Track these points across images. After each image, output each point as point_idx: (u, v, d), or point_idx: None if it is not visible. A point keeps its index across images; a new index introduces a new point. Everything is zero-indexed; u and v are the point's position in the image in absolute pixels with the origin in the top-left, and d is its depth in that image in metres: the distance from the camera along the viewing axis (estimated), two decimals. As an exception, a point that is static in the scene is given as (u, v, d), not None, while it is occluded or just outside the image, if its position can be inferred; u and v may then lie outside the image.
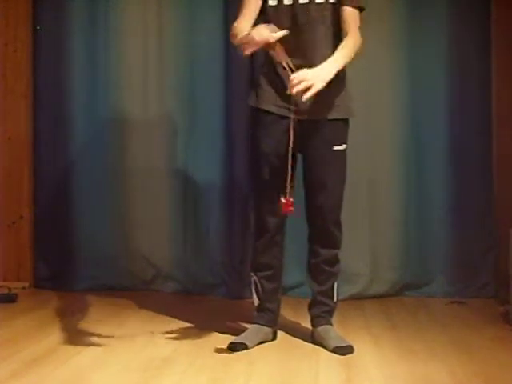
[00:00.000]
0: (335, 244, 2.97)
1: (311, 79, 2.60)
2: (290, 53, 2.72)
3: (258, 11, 2.89)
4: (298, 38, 2.79)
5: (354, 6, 2.83)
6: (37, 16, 4.17)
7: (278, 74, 2.85)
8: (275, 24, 2.74)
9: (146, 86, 4.11)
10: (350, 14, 2.83)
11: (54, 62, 4.15)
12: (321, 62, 2.71)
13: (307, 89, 2.59)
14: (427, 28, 3.93)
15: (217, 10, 4.01)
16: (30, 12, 4.16)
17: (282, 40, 2.68)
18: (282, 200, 2.68)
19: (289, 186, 2.75)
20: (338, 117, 2.89)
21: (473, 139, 3.95)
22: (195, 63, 4.06)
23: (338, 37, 2.84)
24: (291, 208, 2.68)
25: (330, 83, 2.69)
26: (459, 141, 3.94)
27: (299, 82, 2.58)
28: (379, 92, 3.90)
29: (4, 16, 4.15)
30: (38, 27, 4.16)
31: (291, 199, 2.69)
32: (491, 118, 3.94)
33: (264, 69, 2.93)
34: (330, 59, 2.72)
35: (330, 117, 2.86)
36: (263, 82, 2.91)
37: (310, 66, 2.68)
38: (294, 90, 2.59)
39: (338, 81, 2.81)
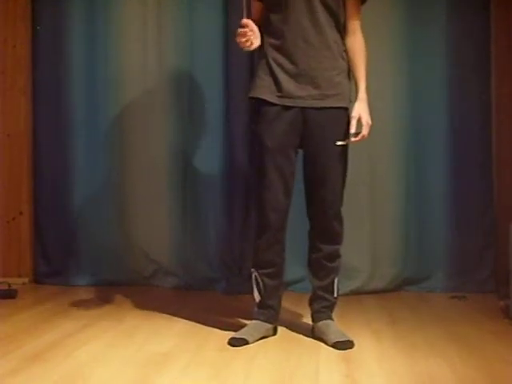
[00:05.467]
0: (336, 239, 2.96)
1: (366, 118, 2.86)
2: (290, 40, 2.78)
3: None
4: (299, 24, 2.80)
5: None
6: (36, 12, 4.17)
7: (277, 64, 2.83)
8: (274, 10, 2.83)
9: (145, 83, 4.10)
10: (354, 6, 2.89)
11: (54, 58, 4.15)
12: (321, 49, 2.80)
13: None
14: (427, 28, 3.93)
15: (217, 10, 4.00)
16: (30, 8, 4.16)
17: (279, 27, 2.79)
18: None
19: None
20: (341, 105, 2.88)
21: (473, 139, 3.94)
22: (195, 63, 4.05)
23: (340, 20, 2.87)
24: None
25: (336, 73, 2.83)
26: (459, 140, 3.94)
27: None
28: (379, 92, 3.87)
29: (3, 12, 4.14)
30: (38, 27, 4.15)
31: None
32: (491, 118, 3.93)
33: (261, 60, 2.89)
34: (362, 85, 2.88)
35: (333, 104, 2.86)
36: (261, 72, 2.87)
37: (312, 51, 2.78)
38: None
39: (344, 71, 2.88)
